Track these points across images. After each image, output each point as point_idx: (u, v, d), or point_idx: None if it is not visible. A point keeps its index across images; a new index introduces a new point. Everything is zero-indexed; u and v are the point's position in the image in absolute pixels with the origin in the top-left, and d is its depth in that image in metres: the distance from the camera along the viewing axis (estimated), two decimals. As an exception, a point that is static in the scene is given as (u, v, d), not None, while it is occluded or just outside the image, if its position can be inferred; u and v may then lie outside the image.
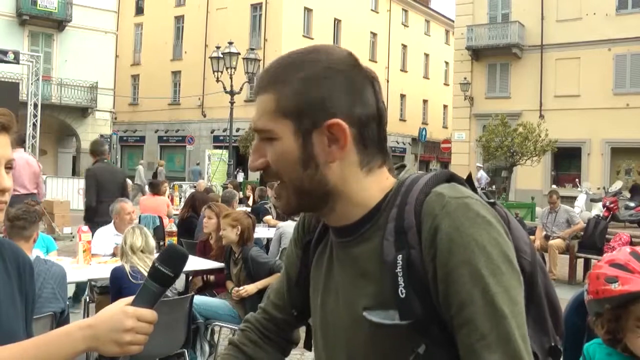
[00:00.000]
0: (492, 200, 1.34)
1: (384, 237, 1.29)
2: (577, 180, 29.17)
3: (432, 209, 1.24)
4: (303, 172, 1.31)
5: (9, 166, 1.52)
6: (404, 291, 1.23)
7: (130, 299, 1.43)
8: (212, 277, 7.10)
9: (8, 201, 1.54)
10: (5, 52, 16.65)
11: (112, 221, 7.34)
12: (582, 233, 11.96)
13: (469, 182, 1.37)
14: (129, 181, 13.99)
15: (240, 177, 30.26)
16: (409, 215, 1.27)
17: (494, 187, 31.44)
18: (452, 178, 1.34)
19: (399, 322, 1.25)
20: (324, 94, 1.28)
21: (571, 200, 23.07)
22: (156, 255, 5.28)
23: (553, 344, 1.41)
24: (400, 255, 1.25)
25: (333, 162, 1.30)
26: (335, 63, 1.31)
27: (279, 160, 1.32)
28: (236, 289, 6.03)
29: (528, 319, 1.26)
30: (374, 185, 1.35)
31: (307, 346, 1.66)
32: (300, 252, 1.61)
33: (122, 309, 1.39)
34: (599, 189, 26.30)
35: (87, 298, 7.00)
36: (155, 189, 12.29)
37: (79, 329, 1.39)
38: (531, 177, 30.45)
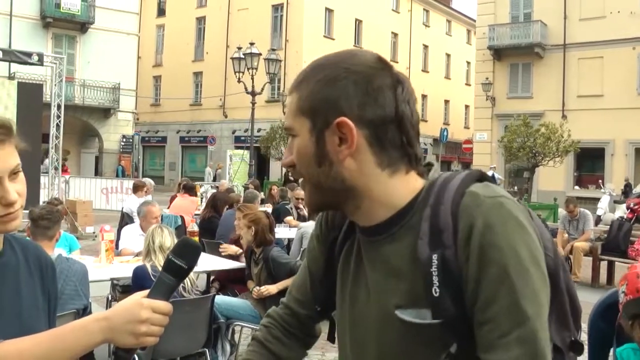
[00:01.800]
0: (517, 199, 1.35)
1: (419, 237, 1.30)
2: (600, 181, 28.90)
3: (467, 207, 1.26)
4: (318, 169, 1.36)
5: (15, 171, 1.52)
6: (437, 290, 1.25)
7: (146, 292, 1.46)
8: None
9: (21, 209, 1.54)
10: (29, 54, 16.77)
11: (139, 223, 7.43)
12: (605, 235, 11.83)
13: (492, 181, 1.38)
14: (150, 181, 14.06)
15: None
16: (444, 215, 1.28)
17: (515, 188, 31.26)
18: (483, 177, 1.35)
19: (431, 321, 1.26)
20: (335, 94, 1.32)
21: (594, 201, 22.89)
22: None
23: (574, 339, 1.42)
24: (436, 255, 1.26)
25: (344, 160, 1.33)
26: (355, 65, 1.34)
27: (298, 156, 1.38)
28: (257, 288, 6.04)
29: (552, 314, 1.28)
30: (400, 187, 1.37)
31: (331, 338, 1.66)
32: (324, 249, 1.62)
33: (137, 301, 1.41)
34: (622, 189, 26.02)
35: (110, 297, 7.05)
36: (191, 192, 12.43)
37: (95, 321, 1.42)
38: (553, 178, 30.18)
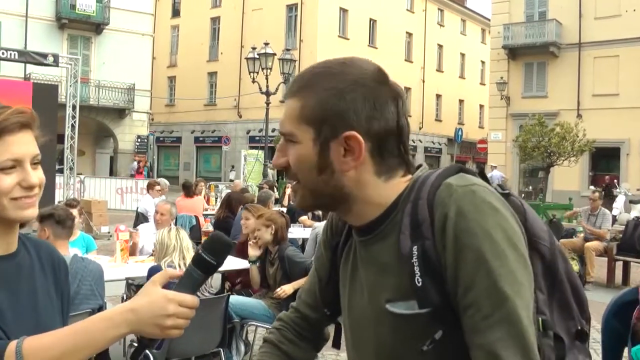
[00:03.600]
0: (506, 191, 1.39)
1: (400, 232, 1.35)
2: (615, 181, 28.71)
3: (442, 198, 1.30)
4: (318, 177, 1.38)
5: (36, 161, 1.56)
6: (420, 280, 1.29)
7: (159, 278, 1.47)
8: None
9: (40, 196, 1.58)
10: (45, 55, 16.86)
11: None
12: (620, 235, 11.75)
13: (481, 176, 1.40)
14: (165, 181, 14.11)
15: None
16: (422, 209, 1.32)
17: (530, 187, 31.13)
18: (461, 170, 1.39)
19: (418, 311, 1.30)
20: (345, 107, 1.34)
21: (610, 201, 22.73)
22: (192, 254, 5.34)
23: (579, 327, 1.42)
24: (416, 246, 1.30)
25: (348, 171, 1.37)
26: (362, 78, 1.37)
27: (297, 162, 1.40)
28: (276, 290, 6.04)
29: (553, 305, 1.33)
30: (390, 188, 1.41)
31: (336, 345, 1.71)
32: (329, 254, 1.67)
33: (163, 295, 1.42)
34: (638, 190, 25.87)
35: (125, 296, 7.09)
36: (189, 192, 12.26)
37: (120, 313, 1.42)
38: (568, 177, 30.00)
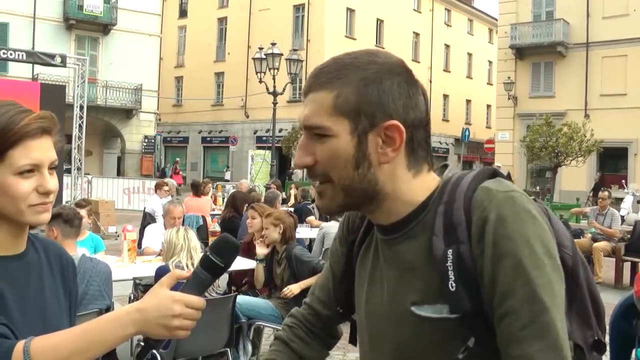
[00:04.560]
0: (532, 197, 1.36)
1: (433, 234, 1.31)
2: (623, 181, 28.61)
3: (480, 203, 1.27)
4: (354, 172, 1.32)
5: (52, 167, 1.57)
6: (454, 285, 1.25)
7: (166, 280, 1.47)
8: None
9: (53, 202, 1.59)
10: (52, 56, 16.89)
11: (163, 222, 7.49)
12: (628, 235, 11.70)
13: (508, 180, 1.38)
14: (172, 181, 14.12)
15: (297, 175, 29.60)
16: (457, 212, 1.29)
17: (537, 188, 31.06)
18: (496, 174, 1.36)
19: (448, 316, 1.27)
20: (383, 96, 1.30)
21: (617, 202, 22.69)
22: (201, 254, 5.35)
23: (597, 338, 1.41)
24: (450, 250, 1.27)
25: (385, 163, 1.33)
26: (395, 66, 1.34)
27: (330, 158, 1.33)
28: (283, 290, 6.04)
29: (572, 313, 1.30)
30: (420, 186, 1.38)
31: (352, 341, 1.67)
32: (345, 250, 1.64)
33: (170, 295, 1.42)
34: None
35: (132, 296, 7.10)
36: (197, 191, 12.37)
37: (127, 313, 1.43)
38: (576, 178, 29.94)
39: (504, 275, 1.22)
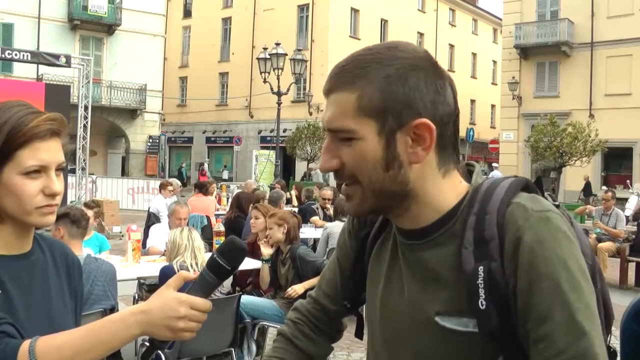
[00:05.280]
0: (556, 203, 1.32)
1: (462, 246, 1.26)
2: (628, 181, 28.56)
3: (515, 221, 1.22)
4: (384, 174, 1.27)
5: (59, 168, 1.58)
6: (484, 303, 1.21)
7: (173, 282, 1.47)
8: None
9: (59, 204, 1.60)
10: (57, 57, 16.94)
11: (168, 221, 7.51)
12: (634, 236, 11.68)
13: (538, 185, 1.35)
14: (176, 181, 14.13)
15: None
16: (490, 226, 1.24)
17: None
18: (528, 185, 1.32)
19: (474, 330, 1.23)
20: (410, 93, 1.24)
21: (622, 202, 22.66)
22: (205, 254, 5.36)
23: (606, 345, 1.36)
24: (482, 267, 1.22)
25: (417, 163, 1.28)
26: (419, 60, 1.28)
27: (359, 161, 1.28)
28: (287, 290, 6.04)
29: None
30: (449, 189, 1.33)
31: (359, 335, 1.64)
32: (355, 245, 1.59)
33: (176, 297, 1.42)
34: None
35: (136, 296, 7.11)
36: (202, 190, 12.37)
37: (132, 314, 1.43)
38: (580, 178, 29.85)
39: (540, 298, 1.18)
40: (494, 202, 1.26)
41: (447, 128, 1.29)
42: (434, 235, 1.32)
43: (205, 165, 38.37)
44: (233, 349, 5.40)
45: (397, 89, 1.24)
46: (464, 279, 1.24)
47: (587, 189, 28.76)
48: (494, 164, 31.04)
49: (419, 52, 1.31)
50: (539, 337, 1.18)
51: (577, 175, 29.05)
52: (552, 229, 1.21)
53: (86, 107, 17.50)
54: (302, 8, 41.99)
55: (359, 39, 40.79)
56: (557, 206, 1.31)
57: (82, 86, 17.84)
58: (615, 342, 1.47)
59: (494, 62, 51.85)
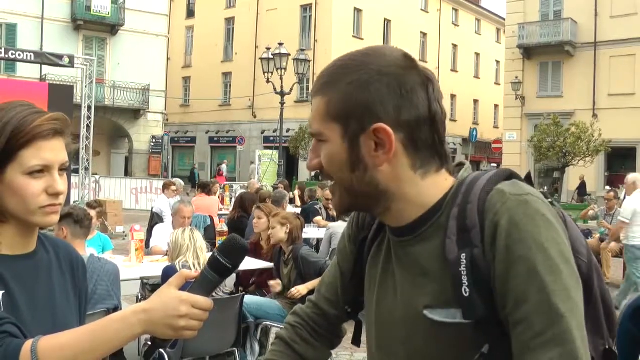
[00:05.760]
0: (549, 200, 1.32)
1: (446, 236, 1.28)
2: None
3: (493, 205, 1.24)
4: (351, 174, 1.33)
5: (62, 168, 1.58)
6: (467, 290, 1.23)
7: (175, 280, 1.47)
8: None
9: (63, 204, 1.60)
10: (60, 57, 16.96)
11: (171, 221, 7.51)
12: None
13: (527, 181, 1.35)
14: (180, 181, 14.15)
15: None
16: (471, 214, 1.26)
17: (545, 188, 30.98)
18: (512, 176, 1.33)
19: (461, 321, 1.25)
20: (370, 98, 1.29)
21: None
22: (207, 254, 5.36)
23: (607, 347, 1.38)
24: (464, 254, 1.24)
25: (380, 165, 1.31)
26: (386, 66, 1.30)
27: (328, 162, 1.35)
28: (290, 291, 6.03)
29: (586, 320, 1.23)
30: (431, 187, 1.35)
31: (356, 342, 1.64)
32: (354, 248, 1.61)
33: (177, 296, 1.42)
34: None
35: (139, 295, 7.11)
36: (206, 190, 12.40)
37: (133, 313, 1.43)
38: (584, 178, 29.86)
39: (517, 281, 1.19)
40: (475, 191, 1.29)
41: (419, 131, 1.31)
42: (420, 230, 1.35)
43: (224, 166, 38.34)
44: (236, 349, 5.42)
45: (358, 94, 1.29)
46: (449, 268, 1.26)
47: (581, 189, 28.94)
48: (493, 164, 31.00)
49: (390, 57, 1.33)
50: (516, 320, 1.19)
51: (580, 175, 29.03)
52: (530, 212, 1.22)
53: (89, 107, 17.53)
54: (305, 8, 41.99)
55: (362, 39, 40.79)
56: (551, 203, 1.31)
57: (86, 86, 17.88)
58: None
59: (497, 62, 51.76)
